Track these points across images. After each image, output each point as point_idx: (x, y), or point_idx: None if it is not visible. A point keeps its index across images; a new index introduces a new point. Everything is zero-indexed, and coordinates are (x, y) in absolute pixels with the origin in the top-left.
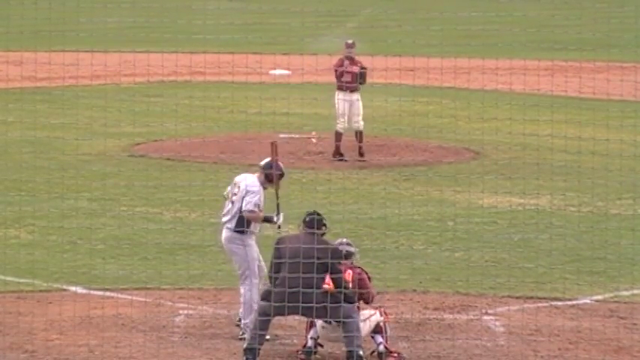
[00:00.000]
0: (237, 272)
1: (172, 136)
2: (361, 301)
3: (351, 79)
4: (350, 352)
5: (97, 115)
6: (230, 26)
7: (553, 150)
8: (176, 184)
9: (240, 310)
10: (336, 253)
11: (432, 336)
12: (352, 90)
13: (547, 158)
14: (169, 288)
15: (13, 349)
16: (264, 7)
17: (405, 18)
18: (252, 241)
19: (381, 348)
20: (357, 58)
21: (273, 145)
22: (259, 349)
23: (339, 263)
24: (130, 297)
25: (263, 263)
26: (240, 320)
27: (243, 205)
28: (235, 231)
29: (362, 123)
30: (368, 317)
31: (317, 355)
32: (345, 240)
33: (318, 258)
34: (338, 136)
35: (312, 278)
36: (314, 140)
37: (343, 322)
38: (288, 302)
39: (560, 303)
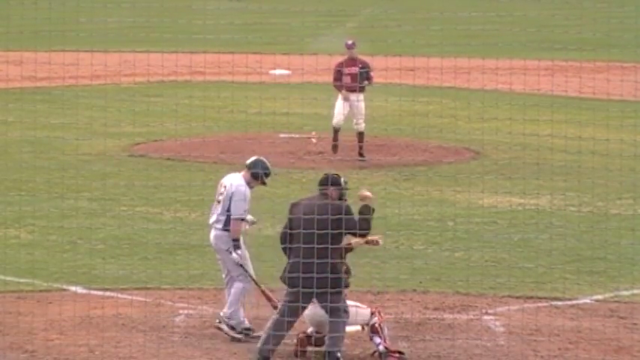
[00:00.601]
0: (223, 273)
1: (172, 136)
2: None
3: (351, 80)
4: (330, 353)
5: (97, 115)
6: (230, 26)
7: (553, 150)
8: (176, 184)
9: (224, 310)
10: (347, 210)
11: (432, 336)
12: (353, 90)
13: (547, 158)
14: (169, 288)
15: (13, 349)
16: (264, 7)
17: (405, 18)
18: (240, 241)
19: (381, 348)
20: (358, 57)
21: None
22: (272, 351)
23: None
24: (130, 297)
25: (252, 271)
26: (219, 322)
27: (232, 208)
28: (224, 229)
29: (363, 124)
30: (362, 316)
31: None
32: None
33: (330, 220)
34: (335, 132)
35: (322, 248)
36: (314, 140)
37: (330, 320)
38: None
39: (560, 303)
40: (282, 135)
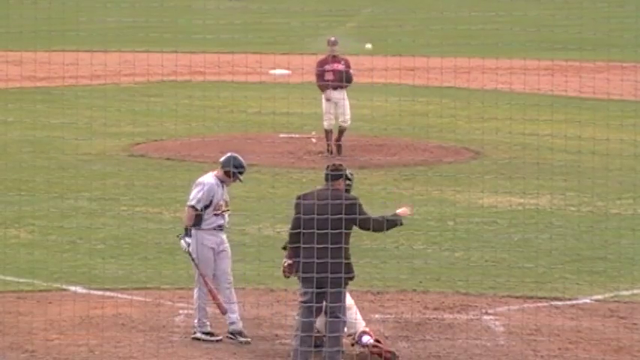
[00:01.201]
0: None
1: (172, 136)
2: None
3: (334, 77)
4: (330, 353)
5: (97, 114)
6: (230, 26)
7: (553, 150)
8: (176, 184)
9: (195, 320)
10: (360, 207)
11: (432, 336)
12: (335, 88)
13: (547, 158)
14: (169, 288)
15: (13, 349)
16: (264, 7)
17: (405, 18)
18: (207, 240)
19: (368, 340)
20: (340, 55)
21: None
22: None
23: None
24: (130, 297)
25: (231, 277)
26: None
27: (189, 198)
28: (191, 226)
29: (349, 122)
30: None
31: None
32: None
33: (338, 213)
34: (327, 134)
35: (334, 243)
36: (314, 140)
37: (331, 320)
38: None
39: (560, 303)
40: (282, 135)
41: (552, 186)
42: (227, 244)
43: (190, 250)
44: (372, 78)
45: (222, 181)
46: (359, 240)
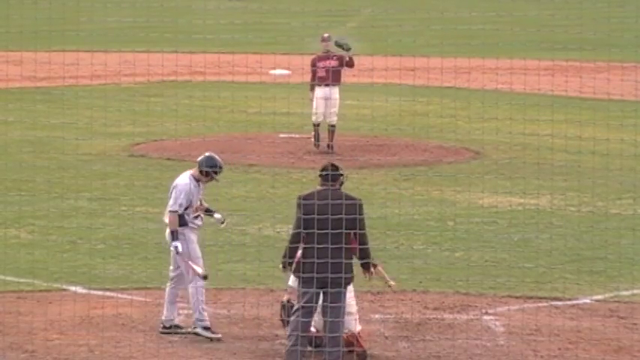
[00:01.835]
0: (171, 271)
1: (172, 136)
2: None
3: (326, 75)
4: (330, 353)
5: (97, 114)
6: (230, 26)
7: (553, 150)
8: None
9: (163, 316)
10: (362, 208)
11: (432, 336)
12: (327, 85)
13: (547, 158)
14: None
15: (13, 349)
16: (264, 7)
17: (405, 18)
18: (193, 237)
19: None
20: (333, 52)
21: None
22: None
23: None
24: (129, 297)
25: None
26: (164, 327)
27: (169, 203)
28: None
29: (335, 118)
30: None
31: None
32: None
33: (347, 213)
34: (315, 128)
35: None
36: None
37: (332, 320)
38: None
39: (560, 303)
40: (282, 135)
41: (552, 186)
42: None
43: (181, 252)
44: (372, 78)
45: (197, 180)
46: None
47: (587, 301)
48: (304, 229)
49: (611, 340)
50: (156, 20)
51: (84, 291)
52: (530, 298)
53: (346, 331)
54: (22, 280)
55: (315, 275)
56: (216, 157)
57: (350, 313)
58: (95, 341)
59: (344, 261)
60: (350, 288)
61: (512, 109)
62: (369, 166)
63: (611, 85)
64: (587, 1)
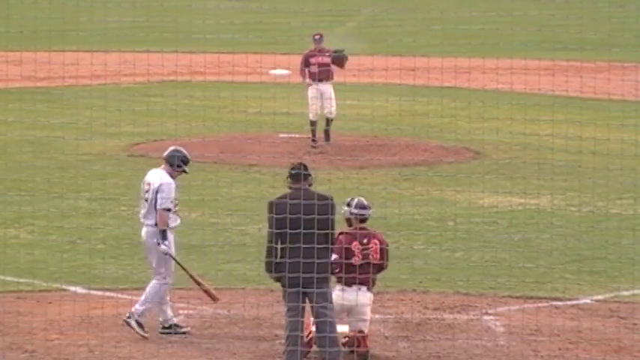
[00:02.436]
0: (152, 269)
1: (172, 136)
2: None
3: (318, 72)
4: (332, 353)
5: (97, 114)
6: (230, 26)
7: (554, 150)
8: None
9: (136, 306)
10: (334, 208)
11: (432, 336)
12: (321, 79)
13: (548, 158)
14: (169, 288)
15: (13, 349)
16: (264, 7)
17: (405, 18)
18: (171, 236)
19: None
20: (326, 48)
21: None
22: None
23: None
24: (129, 297)
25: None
26: (163, 327)
27: (159, 202)
28: (157, 226)
29: (334, 112)
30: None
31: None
32: (356, 200)
33: (324, 214)
34: (312, 124)
35: (320, 243)
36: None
37: (319, 321)
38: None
39: (560, 303)
40: (282, 135)
41: (553, 186)
42: None
43: (170, 252)
44: (372, 78)
45: (170, 175)
46: None
47: (588, 301)
48: (280, 230)
49: (612, 341)
50: (156, 20)
51: (84, 291)
52: (531, 298)
53: (354, 331)
54: (21, 280)
55: (290, 275)
56: (183, 150)
57: (364, 319)
58: (95, 341)
59: (320, 261)
60: (369, 295)
61: (513, 109)
62: (369, 166)
63: (612, 85)
64: (587, 1)
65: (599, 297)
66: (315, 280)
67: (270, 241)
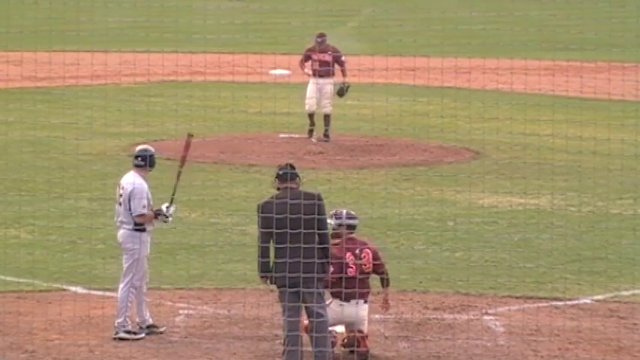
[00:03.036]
0: (122, 270)
1: (172, 136)
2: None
3: (320, 66)
4: (322, 352)
5: (98, 114)
6: (230, 26)
7: (554, 150)
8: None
9: (117, 320)
10: (322, 203)
11: (432, 336)
12: (321, 75)
13: (548, 158)
14: (169, 288)
15: (13, 349)
16: (264, 7)
17: (405, 18)
18: (147, 239)
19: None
20: (328, 45)
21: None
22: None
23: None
24: None
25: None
26: (140, 328)
27: (132, 207)
28: (135, 229)
29: (330, 108)
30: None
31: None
32: (344, 211)
33: (311, 212)
34: (310, 117)
35: (313, 243)
36: (314, 140)
37: (315, 321)
38: (294, 272)
39: (560, 303)
40: (282, 135)
41: (553, 186)
42: None
43: (132, 250)
44: (372, 78)
45: (142, 176)
46: None
47: (588, 301)
48: (271, 230)
49: (612, 341)
50: (156, 20)
51: (84, 291)
52: (531, 298)
53: (353, 331)
54: (22, 280)
55: (282, 275)
56: (148, 147)
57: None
58: (95, 341)
59: (314, 260)
60: (366, 307)
61: (513, 109)
62: (369, 166)
63: (612, 85)
64: (588, 1)
65: (599, 297)
66: (308, 279)
67: (263, 242)
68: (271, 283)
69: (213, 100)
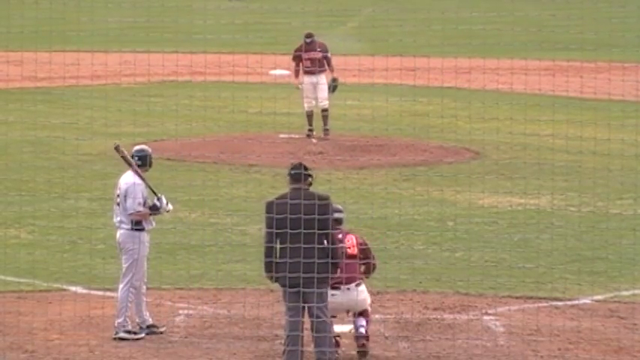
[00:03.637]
0: (122, 270)
1: (172, 136)
2: (363, 272)
3: (311, 64)
4: (322, 352)
5: (98, 115)
6: (230, 26)
7: (554, 150)
8: (176, 184)
9: (117, 320)
10: (332, 208)
11: (432, 336)
12: (313, 73)
13: (548, 158)
14: (169, 288)
15: (13, 349)
16: (264, 7)
17: (405, 18)
18: (146, 239)
19: (362, 330)
20: (318, 42)
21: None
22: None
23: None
24: None
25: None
26: (140, 328)
27: (128, 206)
28: (134, 229)
29: (327, 102)
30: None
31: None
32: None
33: (321, 214)
34: (308, 117)
35: (318, 243)
36: (314, 140)
37: (315, 321)
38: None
39: (560, 303)
40: (282, 135)
41: (553, 186)
42: None
43: (131, 250)
44: (372, 78)
45: (139, 176)
46: None
47: (588, 301)
48: (276, 229)
49: (612, 341)
50: (156, 20)
51: (84, 291)
52: (531, 298)
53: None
54: (22, 280)
55: (287, 275)
56: (144, 147)
57: (366, 308)
58: (95, 341)
59: (317, 261)
60: (362, 289)
61: (513, 110)
62: (369, 166)
63: (612, 85)
64: (588, 1)
65: (599, 297)
66: (311, 279)
67: (267, 242)
68: (275, 281)
69: (213, 101)
